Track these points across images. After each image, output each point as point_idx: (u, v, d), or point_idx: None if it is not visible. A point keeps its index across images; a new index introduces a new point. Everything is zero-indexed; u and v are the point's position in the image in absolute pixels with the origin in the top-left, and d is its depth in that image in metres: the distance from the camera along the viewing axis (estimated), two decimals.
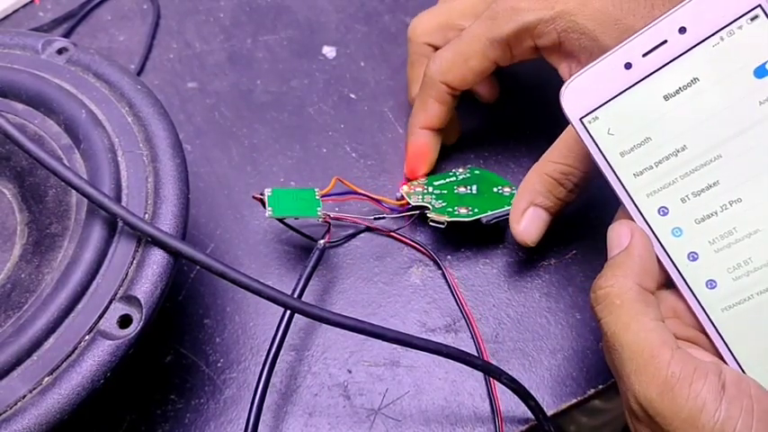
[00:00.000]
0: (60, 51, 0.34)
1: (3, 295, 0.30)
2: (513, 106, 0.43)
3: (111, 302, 0.27)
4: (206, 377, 0.35)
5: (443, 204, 0.37)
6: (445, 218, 0.36)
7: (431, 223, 0.36)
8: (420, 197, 0.38)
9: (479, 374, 0.35)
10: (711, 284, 0.28)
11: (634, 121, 0.28)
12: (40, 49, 0.35)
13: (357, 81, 0.45)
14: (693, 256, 0.28)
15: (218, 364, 0.35)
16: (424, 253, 0.38)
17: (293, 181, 0.41)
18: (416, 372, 0.35)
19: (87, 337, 0.27)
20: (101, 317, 0.27)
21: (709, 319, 0.28)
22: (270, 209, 0.34)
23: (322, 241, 0.35)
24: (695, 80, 0.27)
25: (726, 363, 0.28)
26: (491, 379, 0.34)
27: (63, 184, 0.29)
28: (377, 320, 0.36)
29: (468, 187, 0.38)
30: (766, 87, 0.26)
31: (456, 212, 0.36)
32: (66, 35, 0.48)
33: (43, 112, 0.32)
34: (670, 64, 0.27)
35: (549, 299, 0.37)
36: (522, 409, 0.34)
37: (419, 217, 0.39)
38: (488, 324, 0.36)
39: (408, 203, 0.38)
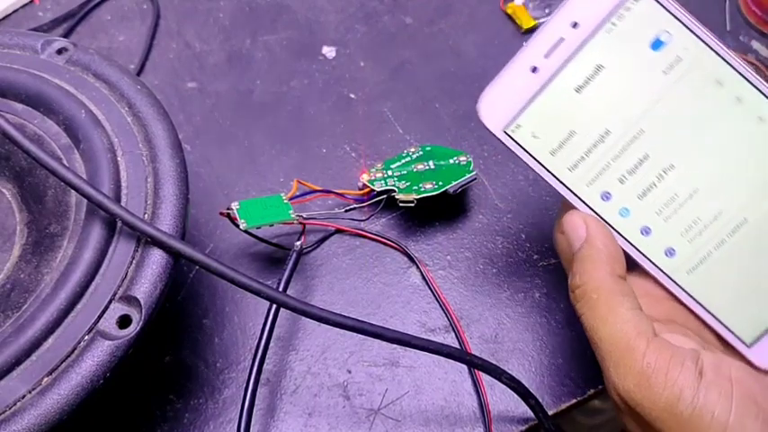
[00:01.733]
0: (60, 51, 0.34)
1: (2, 295, 0.30)
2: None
3: (110, 302, 0.27)
4: (205, 377, 0.35)
5: (408, 184, 0.37)
6: (413, 196, 0.36)
7: (401, 204, 0.37)
8: (383, 182, 0.38)
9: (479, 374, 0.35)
10: (670, 253, 0.29)
11: (554, 120, 0.29)
12: (40, 49, 0.34)
13: (357, 81, 0.45)
14: (646, 231, 0.29)
15: (217, 365, 0.35)
16: (398, 249, 0.38)
17: (293, 181, 0.41)
18: (416, 372, 0.35)
19: (87, 338, 0.27)
20: (100, 317, 0.27)
21: (679, 286, 0.29)
22: (243, 221, 0.34)
23: (298, 243, 0.35)
24: (600, 67, 0.28)
25: (707, 324, 0.29)
26: (478, 377, 0.34)
27: (62, 184, 0.29)
28: (377, 320, 0.36)
29: (425, 164, 0.39)
30: (665, 57, 0.28)
31: (422, 189, 0.37)
32: (66, 35, 0.48)
33: (43, 112, 0.32)
34: (573, 58, 0.28)
35: (549, 299, 0.37)
36: (522, 409, 0.34)
37: (404, 218, 0.39)
38: (488, 324, 0.36)
39: (371, 191, 0.38)
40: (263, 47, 0.47)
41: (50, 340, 0.27)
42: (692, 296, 0.29)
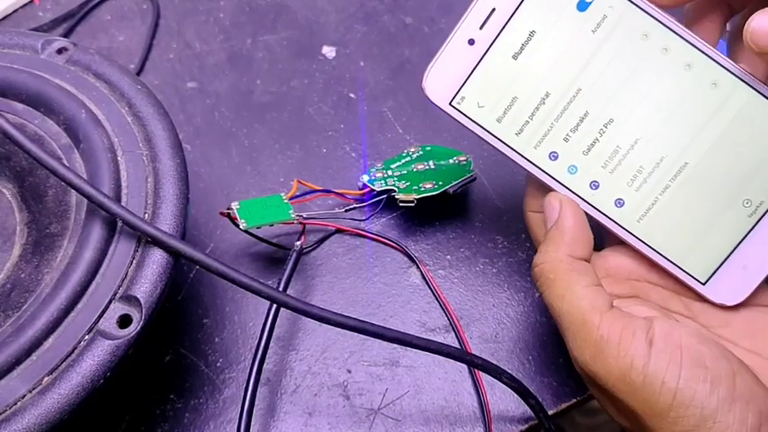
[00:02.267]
0: (60, 51, 0.34)
1: (2, 295, 0.30)
2: None
3: (110, 302, 0.27)
4: (205, 377, 0.35)
5: (408, 184, 0.37)
6: (413, 196, 0.36)
7: (401, 204, 0.37)
8: (383, 182, 0.38)
9: (479, 374, 0.35)
10: (620, 203, 0.30)
11: (496, 88, 0.30)
12: (40, 48, 0.34)
13: (357, 81, 0.45)
14: (595, 185, 0.30)
15: (218, 364, 0.35)
16: (398, 249, 0.38)
17: (293, 181, 0.41)
18: (416, 372, 0.35)
19: (87, 337, 0.27)
20: (100, 317, 0.27)
21: (632, 234, 0.30)
22: (243, 221, 0.34)
23: (298, 243, 0.35)
24: (533, 33, 0.29)
25: (668, 271, 0.30)
26: (478, 377, 0.34)
27: (63, 184, 0.29)
28: (377, 320, 0.36)
29: (426, 163, 0.39)
30: (591, 17, 0.29)
31: (422, 189, 0.37)
32: (66, 35, 0.48)
33: (43, 112, 0.32)
34: (506, 27, 0.29)
35: None
36: (522, 409, 0.34)
37: (404, 218, 0.39)
38: (488, 324, 0.36)
39: (371, 191, 0.38)
40: (263, 47, 0.47)
41: (51, 340, 0.27)
42: (645, 243, 0.30)
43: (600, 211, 0.30)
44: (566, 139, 0.30)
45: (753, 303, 0.30)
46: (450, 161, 0.39)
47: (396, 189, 0.37)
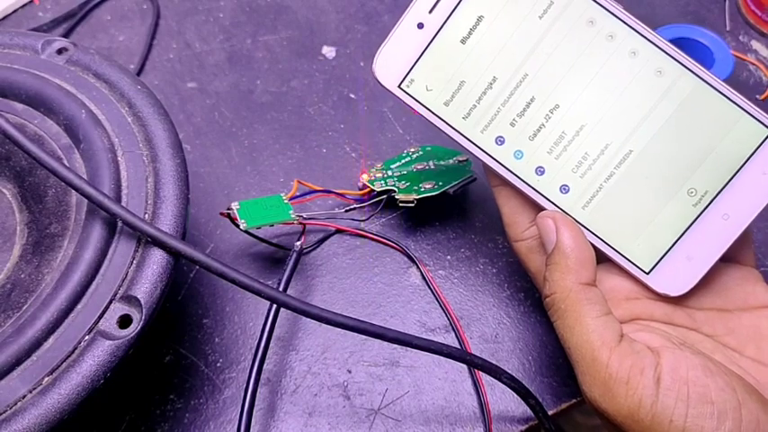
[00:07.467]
0: (60, 51, 0.34)
1: (3, 295, 0.30)
2: None
3: (110, 302, 0.27)
4: (205, 377, 0.35)
5: (408, 184, 0.38)
6: (413, 196, 0.36)
7: (401, 204, 0.37)
8: (383, 182, 0.38)
9: (479, 374, 0.35)
10: (565, 189, 0.30)
11: (444, 72, 0.30)
12: (40, 49, 0.34)
13: (357, 81, 0.45)
14: (540, 171, 0.30)
15: (218, 364, 0.35)
16: (398, 249, 0.39)
17: (293, 181, 0.41)
18: (416, 372, 0.35)
19: (87, 338, 0.27)
20: (101, 317, 0.27)
21: (576, 221, 0.30)
22: (243, 221, 0.34)
23: (298, 243, 0.35)
24: (481, 18, 0.29)
25: (613, 259, 0.30)
26: (478, 377, 0.34)
27: (63, 184, 0.29)
28: (377, 320, 0.36)
29: (425, 164, 0.39)
30: (539, 2, 0.29)
31: (422, 189, 0.37)
32: (66, 35, 0.48)
33: (43, 112, 0.32)
34: (455, 11, 0.30)
35: None
36: (522, 409, 0.34)
37: (404, 218, 0.39)
38: (488, 324, 0.36)
39: (371, 191, 0.38)
40: (263, 47, 0.47)
41: (51, 340, 0.27)
42: (590, 230, 0.30)
43: (545, 197, 0.30)
44: (512, 124, 0.30)
45: (756, 305, 0.30)
46: (451, 161, 0.39)
47: (396, 189, 0.37)
